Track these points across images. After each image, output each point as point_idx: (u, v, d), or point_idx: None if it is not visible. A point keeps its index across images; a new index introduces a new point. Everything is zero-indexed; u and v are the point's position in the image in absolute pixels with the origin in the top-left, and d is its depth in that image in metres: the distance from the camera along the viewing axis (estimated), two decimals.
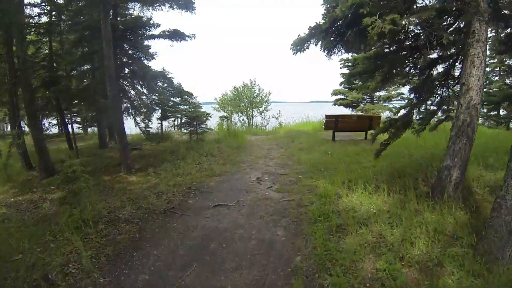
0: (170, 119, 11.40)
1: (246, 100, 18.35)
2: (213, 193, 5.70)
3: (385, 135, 5.80)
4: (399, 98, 18.23)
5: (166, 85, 9.15)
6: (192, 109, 10.16)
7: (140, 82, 8.88)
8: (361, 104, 18.53)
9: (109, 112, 7.91)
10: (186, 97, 9.86)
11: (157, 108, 11.20)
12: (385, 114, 17.85)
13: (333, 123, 9.47)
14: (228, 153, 8.32)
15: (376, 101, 18.51)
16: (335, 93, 18.38)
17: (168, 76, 9.39)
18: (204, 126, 10.50)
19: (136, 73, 8.69)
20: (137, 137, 11.54)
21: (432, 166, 5.62)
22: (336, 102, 18.56)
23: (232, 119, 18.89)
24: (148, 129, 9.73)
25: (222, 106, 19.24)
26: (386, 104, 18.17)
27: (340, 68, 19.06)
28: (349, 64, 18.63)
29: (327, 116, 9.47)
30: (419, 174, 5.78)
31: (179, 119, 11.30)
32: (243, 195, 5.49)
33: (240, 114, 18.52)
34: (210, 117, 10.51)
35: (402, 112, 5.75)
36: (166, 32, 8.55)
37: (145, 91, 9.13)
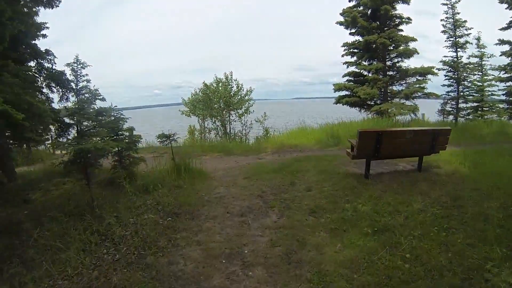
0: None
1: (220, 101, 13.58)
2: None
3: None
4: (419, 94, 13.83)
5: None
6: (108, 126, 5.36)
7: None
8: (371, 103, 14.09)
9: None
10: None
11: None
12: (404, 119, 13.45)
13: (371, 145, 4.87)
14: (151, 234, 3.55)
15: (389, 99, 14.07)
16: (338, 88, 13.78)
17: None
18: (135, 155, 5.76)
19: None
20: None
21: None
22: (340, 100, 14.01)
23: (206, 125, 14.22)
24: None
25: (192, 110, 14.44)
26: (404, 102, 13.73)
27: (343, 56, 14.56)
28: (355, 50, 14.16)
29: (361, 135, 4.78)
30: None
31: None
32: None
33: (214, 119, 13.75)
34: (140, 139, 5.80)
35: None
36: None
37: None
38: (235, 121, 13.63)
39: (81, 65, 7.35)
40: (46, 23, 6.58)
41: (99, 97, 6.96)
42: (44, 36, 6.63)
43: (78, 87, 7.28)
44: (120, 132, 5.67)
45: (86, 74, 7.39)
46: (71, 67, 7.35)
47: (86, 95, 7.00)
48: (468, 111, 14.93)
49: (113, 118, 5.69)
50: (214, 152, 9.37)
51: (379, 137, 4.81)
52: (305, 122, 12.81)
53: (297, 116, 14.79)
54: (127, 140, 5.51)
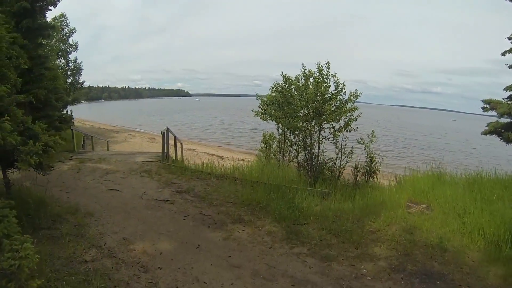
0: None
1: (309, 106, 8.96)
2: None
3: None
4: None
5: None
6: None
7: None
8: None
9: None
10: None
11: None
12: None
13: None
14: None
15: None
16: (503, 111, 8.48)
17: None
18: None
19: None
20: None
21: None
22: (499, 131, 8.86)
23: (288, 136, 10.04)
24: None
25: (268, 112, 10.06)
26: None
27: (504, 54, 9.10)
28: None
29: None
30: None
31: None
32: None
33: (296, 132, 9.26)
34: None
35: None
36: None
37: None
38: (328, 139, 9.09)
39: None
40: None
41: None
42: None
43: None
44: None
45: None
46: None
47: None
48: None
49: None
50: (267, 217, 5.23)
51: None
52: (444, 163, 8.05)
53: (406, 132, 10.00)
54: None
